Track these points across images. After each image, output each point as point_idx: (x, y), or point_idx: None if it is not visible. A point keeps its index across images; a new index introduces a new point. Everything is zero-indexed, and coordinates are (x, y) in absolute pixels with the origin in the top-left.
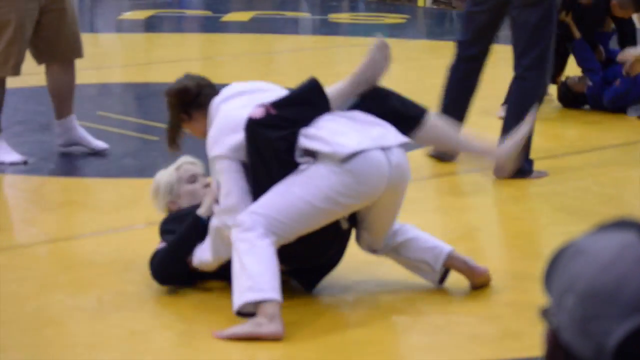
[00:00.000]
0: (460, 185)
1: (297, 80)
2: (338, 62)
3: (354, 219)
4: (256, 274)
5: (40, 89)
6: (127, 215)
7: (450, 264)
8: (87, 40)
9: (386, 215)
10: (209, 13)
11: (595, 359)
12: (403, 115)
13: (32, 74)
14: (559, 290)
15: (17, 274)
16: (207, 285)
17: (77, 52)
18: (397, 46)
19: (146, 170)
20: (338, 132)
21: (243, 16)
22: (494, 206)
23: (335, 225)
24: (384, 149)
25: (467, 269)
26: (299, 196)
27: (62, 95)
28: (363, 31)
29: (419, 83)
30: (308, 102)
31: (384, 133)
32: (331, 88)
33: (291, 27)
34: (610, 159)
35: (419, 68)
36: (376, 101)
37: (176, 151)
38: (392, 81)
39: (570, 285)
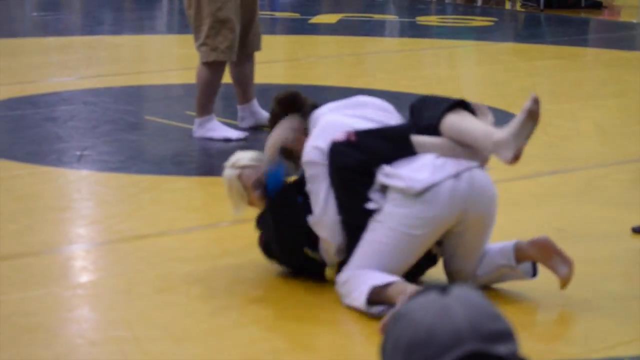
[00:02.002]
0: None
1: (384, 82)
2: (425, 65)
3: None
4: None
5: (129, 89)
6: (214, 213)
7: (521, 254)
8: (174, 41)
9: (472, 242)
10: (297, 15)
11: None
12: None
13: (121, 74)
14: (389, 351)
15: (107, 269)
16: (295, 282)
17: (259, 44)
18: (484, 49)
19: None
20: (412, 170)
21: (331, 18)
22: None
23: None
24: (456, 175)
25: (538, 250)
26: (379, 242)
27: (247, 82)
28: (450, 34)
29: (506, 85)
30: (392, 140)
31: (455, 161)
32: (430, 140)
33: (379, 30)
34: None
35: (505, 71)
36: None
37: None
38: (480, 84)
39: (396, 345)
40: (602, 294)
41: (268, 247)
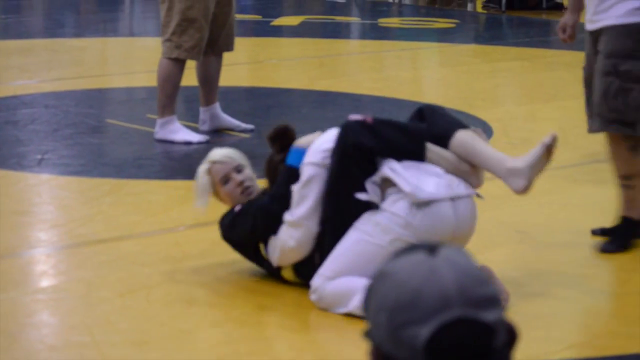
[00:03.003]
0: None
1: (346, 84)
2: (388, 67)
3: None
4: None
5: (91, 92)
6: (175, 216)
7: None
8: (136, 44)
9: None
10: (259, 17)
11: None
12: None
13: (84, 77)
14: (373, 311)
15: (67, 273)
16: (257, 286)
17: (232, 45)
18: (446, 50)
19: (194, 173)
20: (420, 176)
21: (293, 20)
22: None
23: None
24: (454, 198)
25: None
26: (360, 255)
27: (212, 83)
28: (412, 36)
29: (468, 87)
30: (407, 133)
31: (457, 182)
32: (440, 151)
33: (341, 32)
34: None
35: (467, 72)
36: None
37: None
38: (442, 86)
39: (381, 305)
40: (560, 297)
41: (229, 228)
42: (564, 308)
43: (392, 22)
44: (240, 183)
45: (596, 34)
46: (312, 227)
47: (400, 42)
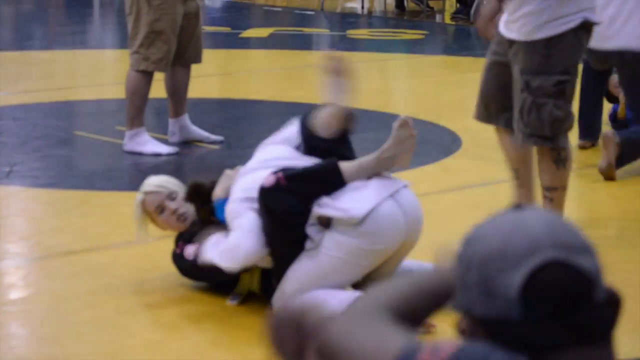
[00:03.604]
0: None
1: (315, 95)
2: (356, 78)
3: None
4: None
5: (59, 104)
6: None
7: None
8: (105, 56)
9: (396, 260)
10: (228, 29)
11: (507, 313)
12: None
13: (53, 89)
14: (461, 277)
15: (36, 285)
16: (225, 298)
17: (200, 57)
18: (415, 62)
19: None
20: (346, 196)
21: (262, 32)
22: None
23: None
24: (392, 194)
25: None
26: (321, 268)
27: (181, 95)
28: (381, 47)
29: (437, 98)
30: (322, 180)
31: (386, 178)
32: (353, 163)
33: (310, 43)
34: None
35: (436, 83)
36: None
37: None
38: (411, 97)
39: (468, 266)
40: None
41: (181, 261)
42: None
43: (361, 33)
44: (174, 211)
45: (509, 42)
46: (257, 252)
47: (369, 54)
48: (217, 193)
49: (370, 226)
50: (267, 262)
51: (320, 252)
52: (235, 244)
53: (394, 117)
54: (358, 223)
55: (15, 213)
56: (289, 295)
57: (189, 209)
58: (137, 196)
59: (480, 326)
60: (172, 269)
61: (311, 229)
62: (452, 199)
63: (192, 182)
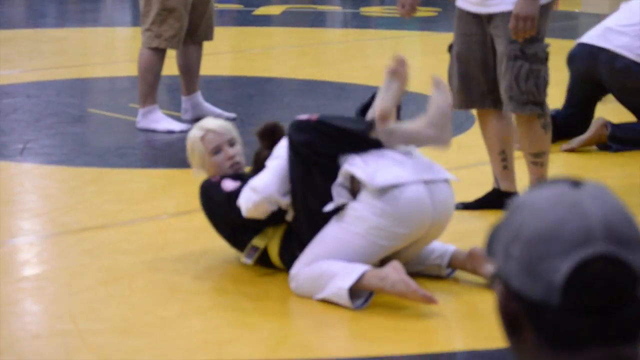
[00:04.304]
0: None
1: (328, 73)
2: (369, 55)
3: None
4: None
5: (73, 82)
6: (157, 205)
7: (455, 261)
8: (118, 34)
9: (420, 246)
10: (241, 7)
11: (546, 297)
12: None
13: (66, 67)
14: (504, 243)
15: (50, 262)
16: (241, 274)
17: (212, 34)
18: (428, 39)
19: (176, 162)
20: (380, 165)
21: (275, 10)
22: None
23: None
24: (427, 182)
25: (471, 261)
26: (342, 242)
27: (193, 72)
28: (394, 24)
29: None
30: (352, 129)
31: (429, 165)
32: (405, 126)
33: (323, 21)
34: None
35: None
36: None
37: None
38: (424, 74)
39: (515, 236)
40: None
41: (214, 190)
42: None
43: (374, 10)
44: (231, 157)
45: (486, 18)
46: (273, 195)
47: (382, 31)
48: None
49: (394, 206)
50: (289, 216)
51: (342, 224)
52: (255, 183)
53: (407, 94)
54: (379, 195)
55: (28, 190)
56: (305, 264)
57: (242, 161)
58: (194, 131)
59: (515, 301)
60: (186, 245)
61: (338, 190)
62: (465, 175)
63: (271, 122)
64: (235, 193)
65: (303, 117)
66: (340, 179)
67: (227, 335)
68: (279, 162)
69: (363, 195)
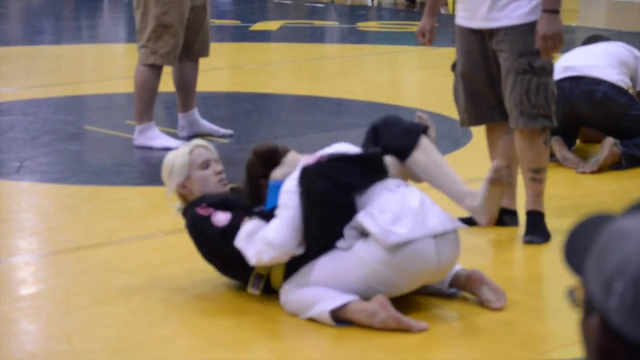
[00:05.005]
0: None
1: (325, 88)
2: (366, 71)
3: None
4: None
5: (69, 99)
6: (154, 223)
7: (456, 282)
8: (115, 50)
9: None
10: (238, 22)
11: None
12: (393, 149)
13: (62, 84)
14: (605, 275)
15: (46, 281)
16: (237, 292)
17: (207, 51)
18: (425, 54)
19: None
20: (394, 212)
21: (272, 25)
22: None
23: None
24: (437, 236)
25: (470, 284)
26: (335, 275)
27: (189, 89)
28: (391, 39)
29: (447, 90)
30: (365, 165)
31: (440, 213)
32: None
33: (320, 36)
34: None
35: (446, 75)
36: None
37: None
38: (421, 89)
39: (619, 270)
40: (561, 295)
41: (205, 225)
42: (566, 305)
43: (371, 25)
44: (219, 172)
45: (488, 33)
46: (291, 251)
47: (379, 46)
48: (277, 174)
49: (401, 260)
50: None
51: (343, 260)
52: (270, 237)
53: (404, 109)
54: (390, 250)
55: (25, 208)
56: (299, 285)
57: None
58: (182, 148)
59: (614, 338)
60: (183, 263)
61: (348, 232)
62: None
63: (271, 145)
64: (229, 228)
65: (311, 160)
66: (354, 222)
67: (223, 355)
68: (292, 213)
69: (372, 240)
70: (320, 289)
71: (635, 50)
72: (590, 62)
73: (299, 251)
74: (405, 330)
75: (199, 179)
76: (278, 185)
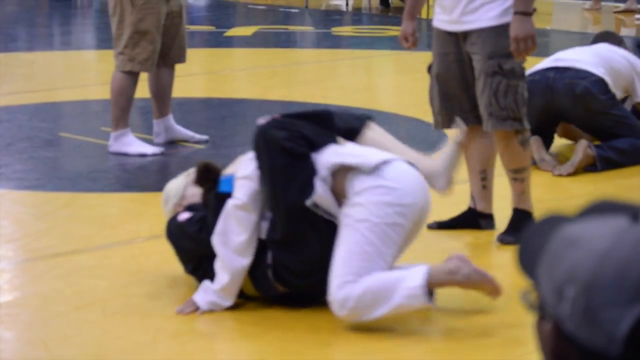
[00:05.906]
0: None
1: (300, 93)
2: (341, 75)
3: None
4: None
5: (44, 106)
6: (130, 229)
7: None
8: (90, 57)
9: (409, 240)
10: (212, 28)
11: (605, 347)
12: (344, 130)
13: (36, 91)
14: (556, 281)
15: (23, 288)
16: None
17: (184, 57)
18: (400, 58)
19: (149, 185)
20: (362, 152)
21: (246, 31)
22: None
23: None
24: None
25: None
26: (366, 240)
27: (165, 95)
28: (366, 44)
29: (423, 94)
30: (317, 122)
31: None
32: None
33: (294, 41)
34: None
35: (422, 79)
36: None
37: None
38: (396, 93)
39: (570, 276)
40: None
41: (171, 221)
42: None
43: (346, 30)
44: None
45: (462, 35)
46: (252, 209)
47: (354, 51)
48: (228, 171)
49: (393, 179)
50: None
51: (355, 226)
52: (233, 201)
53: (379, 113)
54: (375, 176)
55: (0, 216)
56: (348, 281)
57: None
58: (182, 177)
59: (568, 343)
60: (160, 270)
61: (321, 184)
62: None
63: (202, 162)
64: (188, 222)
65: (265, 118)
66: (323, 172)
67: (206, 358)
68: (250, 186)
69: (358, 186)
70: (380, 275)
71: (637, 63)
72: (580, 57)
73: (264, 225)
74: (489, 285)
75: (192, 195)
76: (230, 178)
